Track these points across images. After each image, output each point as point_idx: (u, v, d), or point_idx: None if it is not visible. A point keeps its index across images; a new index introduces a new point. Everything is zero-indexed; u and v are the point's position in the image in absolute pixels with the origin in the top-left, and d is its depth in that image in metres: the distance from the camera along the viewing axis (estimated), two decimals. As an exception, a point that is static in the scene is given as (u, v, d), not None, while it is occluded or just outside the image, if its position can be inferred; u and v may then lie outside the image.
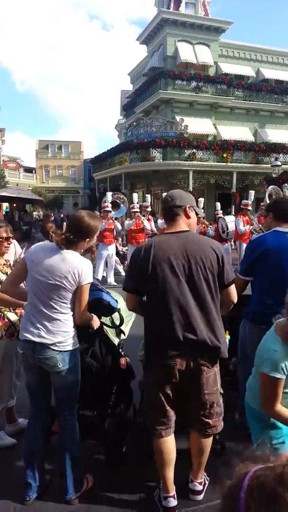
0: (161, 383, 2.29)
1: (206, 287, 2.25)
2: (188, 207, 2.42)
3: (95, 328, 2.62)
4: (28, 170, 46.26)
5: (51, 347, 2.31)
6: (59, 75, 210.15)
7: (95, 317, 2.63)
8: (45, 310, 2.33)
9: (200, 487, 2.52)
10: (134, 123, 23.44)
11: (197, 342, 2.22)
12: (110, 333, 2.94)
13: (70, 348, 2.36)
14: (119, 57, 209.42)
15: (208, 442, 2.43)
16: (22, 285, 2.66)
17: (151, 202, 12.36)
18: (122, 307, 3.06)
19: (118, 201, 10.90)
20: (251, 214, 10.87)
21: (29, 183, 41.80)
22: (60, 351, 2.33)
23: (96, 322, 2.62)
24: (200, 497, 2.51)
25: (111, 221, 9.96)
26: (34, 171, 46.67)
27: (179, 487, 2.45)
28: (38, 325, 2.33)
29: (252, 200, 11.41)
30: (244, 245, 10.84)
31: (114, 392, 2.90)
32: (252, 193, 12.03)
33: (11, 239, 3.10)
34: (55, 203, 39.85)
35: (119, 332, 3.02)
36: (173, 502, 2.38)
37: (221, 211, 12.43)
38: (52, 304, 2.33)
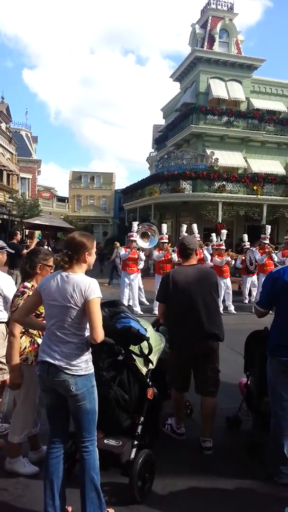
0: (182, 360, 3.42)
1: (209, 296, 3.37)
2: (197, 249, 3.70)
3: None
4: (61, 199, 47.79)
5: (64, 370, 2.34)
6: (93, 108, 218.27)
7: None
8: (59, 333, 2.39)
9: (210, 444, 3.38)
10: (165, 156, 23.93)
11: (203, 332, 3.28)
12: (138, 362, 2.91)
13: (82, 372, 2.37)
14: (153, 92, 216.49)
15: (212, 402, 3.42)
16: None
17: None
18: (151, 337, 3.04)
19: (149, 232, 10.85)
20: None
21: (62, 212, 43.06)
22: (73, 374, 2.34)
23: None
24: (210, 452, 3.35)
25: (135, 250, 10.00)
26: (66, 201, 48.11)
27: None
28: (54, 347, 2.39)
29: (268, 233, 11.59)
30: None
31: (140, 423, 2.84)
32: (268, 227, 12.21)
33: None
34: (85, 231, 40.68)
35: (147, 361, 2.99)
36: (183, 430, 3.64)
37: (248, 243, 12.27)
38: (66, 326, 2.38)
